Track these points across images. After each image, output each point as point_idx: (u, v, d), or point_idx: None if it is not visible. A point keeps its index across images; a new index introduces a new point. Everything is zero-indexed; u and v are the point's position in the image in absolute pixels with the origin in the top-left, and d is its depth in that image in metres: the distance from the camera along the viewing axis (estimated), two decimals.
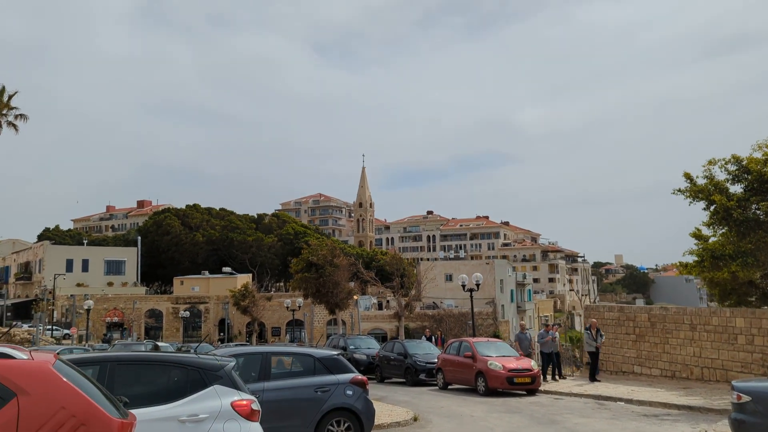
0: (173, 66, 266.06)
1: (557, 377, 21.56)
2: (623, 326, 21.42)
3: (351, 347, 27.67)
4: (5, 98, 39.47)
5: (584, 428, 12.31)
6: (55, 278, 70.19)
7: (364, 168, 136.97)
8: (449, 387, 20.79)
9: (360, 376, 10.19)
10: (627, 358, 21.29)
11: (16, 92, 40.40)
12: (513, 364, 18.90)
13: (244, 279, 77.83)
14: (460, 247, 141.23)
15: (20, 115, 40.36)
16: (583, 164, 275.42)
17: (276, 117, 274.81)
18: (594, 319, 21.09)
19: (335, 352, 10.55)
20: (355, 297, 46.42)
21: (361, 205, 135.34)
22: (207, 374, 6.46)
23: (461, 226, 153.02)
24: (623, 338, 21.42)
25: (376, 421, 12.41)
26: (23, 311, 78.58)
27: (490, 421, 13.47)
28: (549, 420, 13.52)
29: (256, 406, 6.57)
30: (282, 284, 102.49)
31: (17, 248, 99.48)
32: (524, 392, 18.81)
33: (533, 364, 19.59)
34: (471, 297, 27.27)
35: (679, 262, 20.85)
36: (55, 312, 72.43)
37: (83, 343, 60.93)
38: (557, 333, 22.63)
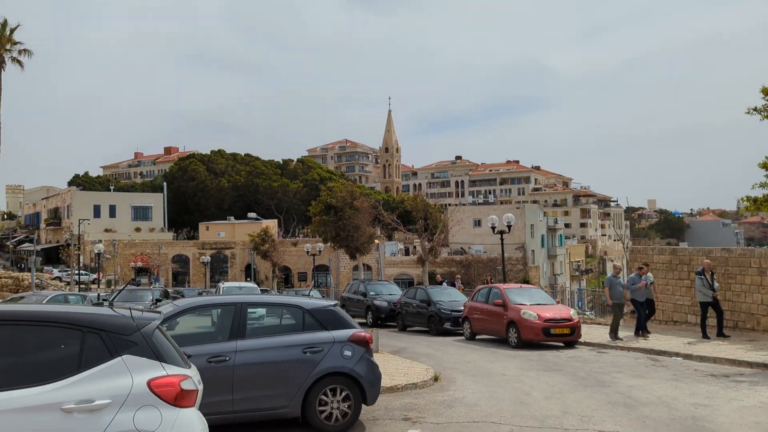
0: (199, 14, 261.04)
1: (642, 333, 16.86)
2: (676, 271, 18.94)
3: (371, 293, 25.78)
4: (8, 32, 37.43)
5: (642, 393, 10.11)
6: (80, 223, 69.75)
7: (390, 111, 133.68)
8: (477, 337, 18.81)
9: (361, 333, 8.05)
10: (679, 306, 18.89)
11: (18, 25, 38.36)
12: (549, 313, 16.76)
13: (269, 225, 76.58)
14: (490, 193, 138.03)
15: (24, 50, 38.43)
16: (617, 107, 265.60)
17: (302, 63, 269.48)
18: (707, 260, 16.81)
19: (331, 302, 8.40)
20: (376, 241, 44.43)
21: (387, 150, 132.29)
22: (111, 338, 4.33)
23: (490, 171, 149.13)
24: (675, 284, 18.98)
25: (389, 383, 10.41)
26: (54, 256, 79.07)
27: (525, 382, 11.36)
28: (596, 381, 11.36)
29: (189, 385, 4.45)
30: (308, 230, 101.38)
31: (49, 195, 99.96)
32: (562, 344, 16.73)
33: (572, 313, 17.43)
34: (501, 240, 25.00)
35: (746, 197, 18.12)
36: (81, 257, 72.36)
37: (112, 287, 60.73)
38: (651, 276, 18.08)
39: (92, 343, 4.29)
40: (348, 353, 7.78)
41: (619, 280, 17.39)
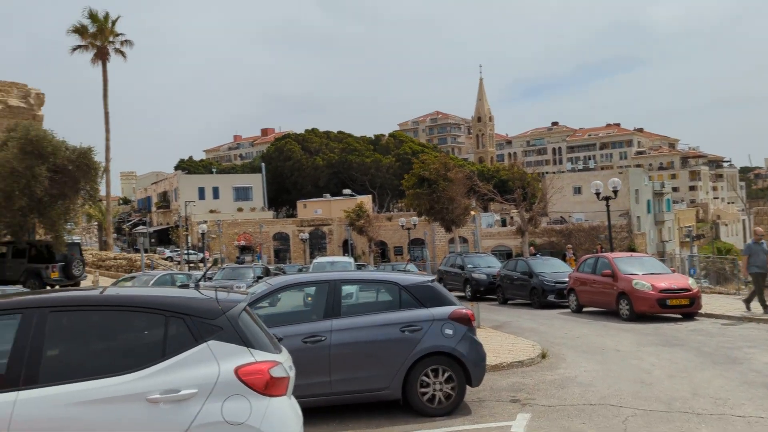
0: None
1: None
2: None
3: (469, 266, 25.11)
4: (109, 24, 39.30)
5: None
6: (186, 205, 73.32)
7: (481, 80, 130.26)
8: (583, 310, 17.77)
9: (463, 310, 7.49)
10: None
11: (118, 17, 40.21)
12: (664, 282, 15.48)
13: (363, 200, 77.22)
14: (589, 158, 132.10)
15: (126, 41, 40.28)
16: (724, 63, 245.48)
17: (389, 38, 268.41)
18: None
19: (428, 278, 7.88)
20: (472, 213, 43.46)
21: (479, 119, 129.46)
22: (195, 323, 4.03)
23: (589, 135, 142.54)
24: None
25: (493, 360, 9.81)
26: (165, 237, 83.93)
27: (643, 358, 10.41)
28: (726, 357, 10.24)
29: (279, 372, 4.09)
30: (402, 204, 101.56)
31: (158, 179, 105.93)
32: (679, 316, 15.43)
33: (691, 282, 16.02)
34: (607, 207, 23.48)
35: None
36: (189, 237, 76.17)
37: (218, 265, 63.57)
38: None
39: (176, 329, 4.00)
40: (449, 331, 7.26)
41: (762, 246, 15.04)
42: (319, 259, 26.06)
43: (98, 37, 39.27)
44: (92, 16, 39.03)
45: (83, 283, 26.61)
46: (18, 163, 22.77)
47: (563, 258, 26.64)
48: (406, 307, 7.36)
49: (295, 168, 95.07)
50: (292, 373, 4.34)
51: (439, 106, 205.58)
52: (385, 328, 7.15)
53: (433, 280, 7.78)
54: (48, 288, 24.78)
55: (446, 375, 7.21)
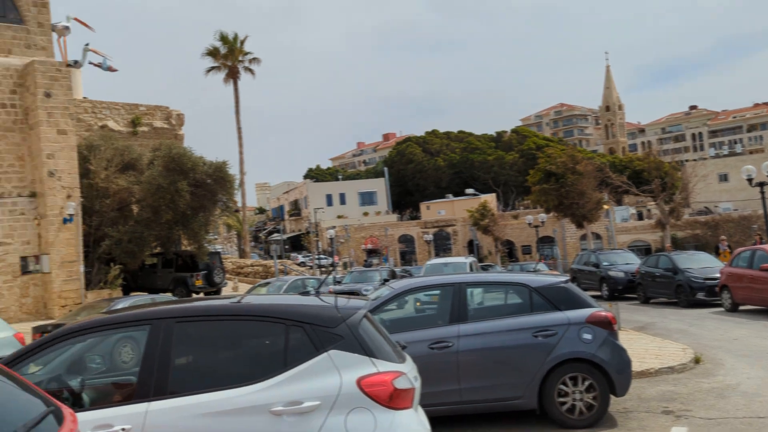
0: (405, 1, 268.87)
1: None
2: None
3: (604, 264, 23.65)
4: (238, 44, 41.67)
5: None
6: (315, 212, 76.11)
7: (608, 67, 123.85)
8: (739, 309, 16.03)
9: (602, 312, 6.85)
10: None
11: (246, 36, 42.47)
12: None
13: (487, 199, 75.99)
14: (735, 143, 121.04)
15: (254, 59, 42.51)
16: None
17: (507, 33, 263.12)
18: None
19: (562, 278, 7.31)
20: (605, 207, 41.09)
21: (608, 108, 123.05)
22: (315, 331, 3.87)
23: (734, 117, 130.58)
24: None
25: (638, 366, 8.97)
26: (297, 244, 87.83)
27: None
28: None
29: (404, 383, 3.84)
30: (528, 201, 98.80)
31: (289, 189, 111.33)
32: None
33: None
34: (762, 193, 21.15)
35: None
36: (319, 243, 79.01)
37: (347, 269, 65.36)
38: None
39: (296, 338, 3.88)
40: (587, 336, 6.66)
41: None
42: (432, 261, 24.31)
43: (229, 57, 41.77)
44: (223, 39, 41.58)
45: (224, 290, 28.27)
46: (163, 179, 24.63)
47: (716, 251, 24.35)
48: (538, 310, 6.85)
49: (417, 170, 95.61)
50: (417, 384, 4.07)
51: (562, 98, 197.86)
52: (516, 333, 6.70)
53: (567, 281, 7.21)
54: (189, 296, 26.52)
55: (586, 383, 6.62)
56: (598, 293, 22.90)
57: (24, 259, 23.09)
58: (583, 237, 57.22)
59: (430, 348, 6.60)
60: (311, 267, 64.02)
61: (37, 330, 14.77)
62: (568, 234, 62.56)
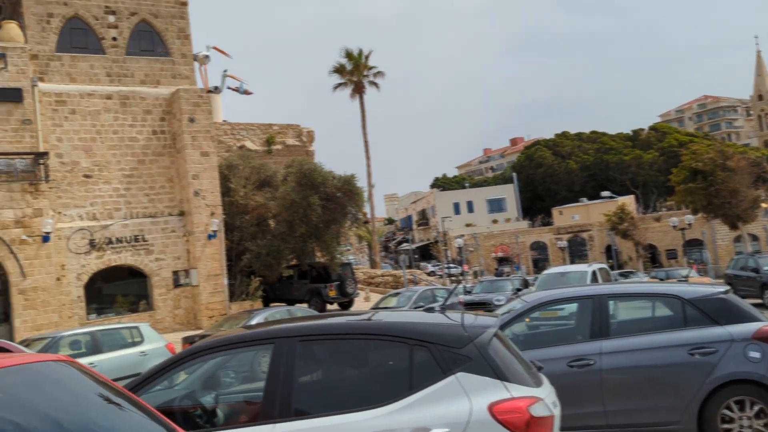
0: (533, 3, 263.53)
1: None
2: None
3: (765, 268, 21.28)
4: (363, 59, 42.70)
5: None
6: (443, 221, 76.04)
7: (758, 52, 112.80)
8: None
9: None
10: None
11: (371, 51, 43.45)
12: None
13: (625, 201, 71.75)
14: None
15: (378, 72, 43.37)
16: None
17: (639, 26, 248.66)
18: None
19: (720, 289, 6.48)
20: (763, 205, 37.14)
21: (760, 98, 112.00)
22: (440, 352, 3.61)
23: None
24: None
25: None
26: (426, 253, 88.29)
27: None
28: None
29: (541, 410, 3.48)
30: (672, 202, 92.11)
31: (416, 199, 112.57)
32: None
33: None
34: None
35: None
36: (448, 252, 78.71)
37: (477, 278, 64.51)
38: None
39: (421, 359, 3.64)
40: (755, 354, 5.83)
41: None
42: (549, 271, 21.97)
43: (354, 73, 42.95)
44: (348, 55, 42.87)
45: (356, 300, 28.87)
46: (296, 195, 25.69)
47: None
48: (692, 324, 6.11)
49: (547, 174, 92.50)
50: (557, 411, 3.69)
51: (706, 90, 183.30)
52: (667, 350, 6.01)
53: (726, 291, 6.38)
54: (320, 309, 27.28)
55: (756, 408, 5.79)
56: (759, 301, 20.62)
57: (175, 273, 24.97)
58: (738, 239, 52.13)
59: (569, 366, 6.10)
60: (441, 276, 63.81)
61: (186, 340, 15.82)
62: (720, 236, 57.34)
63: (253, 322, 13.28)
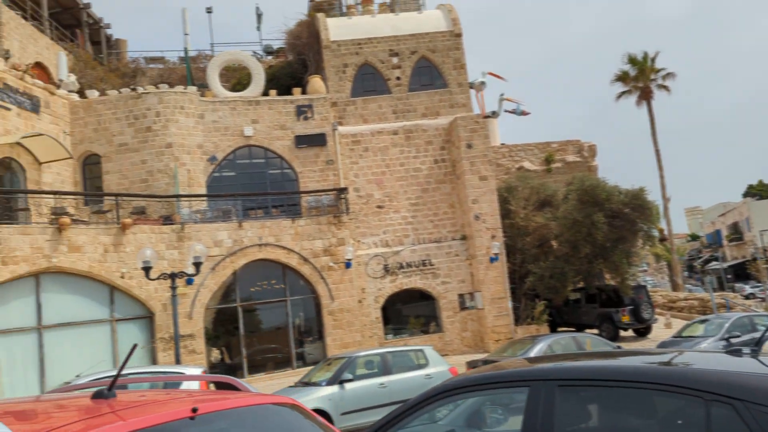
0: None
1: None
2: None
3: None
4: (649, 62, 39.17)
5: None
6: (761, 235, 65.23)
7: None
8: None
9: None
10: None
11: (657, 53, 39.58)
12: None
13: None
14: None
15: (668, 74, 39.26)
16: None
17: None
18: None
19: None
20: None
21: None
22: (752, 412, 2.67)
23: None
24: None
25: None
26: (742, 272, 76.60)
27: None
28: None
29: None
30: None
31: (725, 211, 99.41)
32: None
33: None
34: None
35: None
36: None
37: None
38: None
39: (722, 418, 2.75)
40: None
41: None
42: None
43: (639, 78, 39.62)
44: (632, 60, 39.75)
45: (654, 327, 26.04)
46: (578, 213, 24.38)
47: None
48: None
49: None
50: None
51: None
52: None
53: None
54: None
55: None
56: None
57: (461, 296, 25.57)
58: None
59: None
60: (763, 300, 54.49)
61: (470, 364, 15.87)
62: None
63: (534, 350, 12.69)
